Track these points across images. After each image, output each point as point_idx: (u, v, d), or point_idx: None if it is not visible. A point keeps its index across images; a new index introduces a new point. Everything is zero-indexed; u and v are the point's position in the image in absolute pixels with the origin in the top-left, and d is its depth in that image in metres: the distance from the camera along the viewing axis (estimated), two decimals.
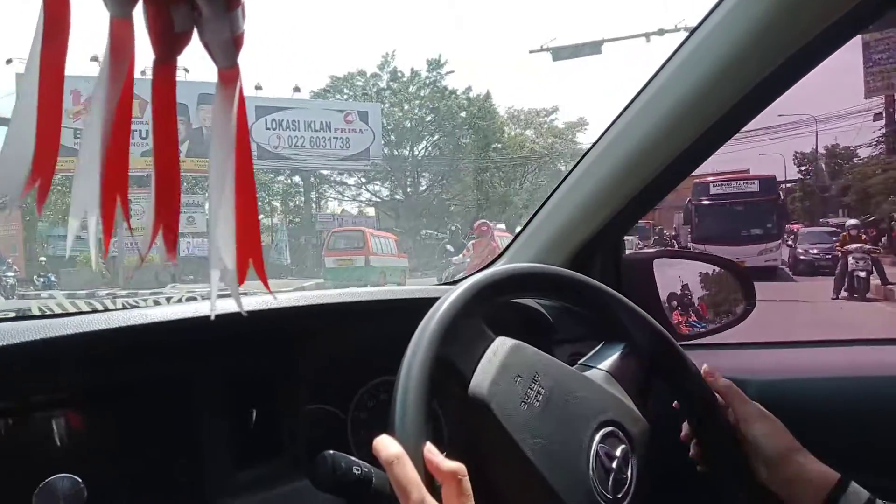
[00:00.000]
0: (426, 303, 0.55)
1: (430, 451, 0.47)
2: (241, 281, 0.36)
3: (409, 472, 0.44)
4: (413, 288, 0.88)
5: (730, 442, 0.67)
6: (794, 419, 0.87)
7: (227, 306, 0.72)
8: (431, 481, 0.46)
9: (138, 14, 0.31)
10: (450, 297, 0.56)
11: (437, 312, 0.54)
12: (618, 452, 0.58)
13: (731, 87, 0.85)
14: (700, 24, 0.87)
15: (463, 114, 25.64)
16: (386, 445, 0.46)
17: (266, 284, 0.41)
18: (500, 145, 26.08)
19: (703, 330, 1.16)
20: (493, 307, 0.60)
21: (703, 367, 0.69)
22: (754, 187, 13.67)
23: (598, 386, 0.63)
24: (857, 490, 0.61)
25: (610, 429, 0.59)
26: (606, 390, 0.64)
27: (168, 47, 0.32)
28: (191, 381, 0.70)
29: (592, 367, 0.68)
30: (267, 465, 0.71)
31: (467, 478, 0.46)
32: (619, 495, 0.57)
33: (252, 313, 0.73)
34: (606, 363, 0.68)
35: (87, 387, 0.66)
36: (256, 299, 0.78)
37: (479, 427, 0.54)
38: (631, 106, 0.97)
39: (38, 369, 0.62)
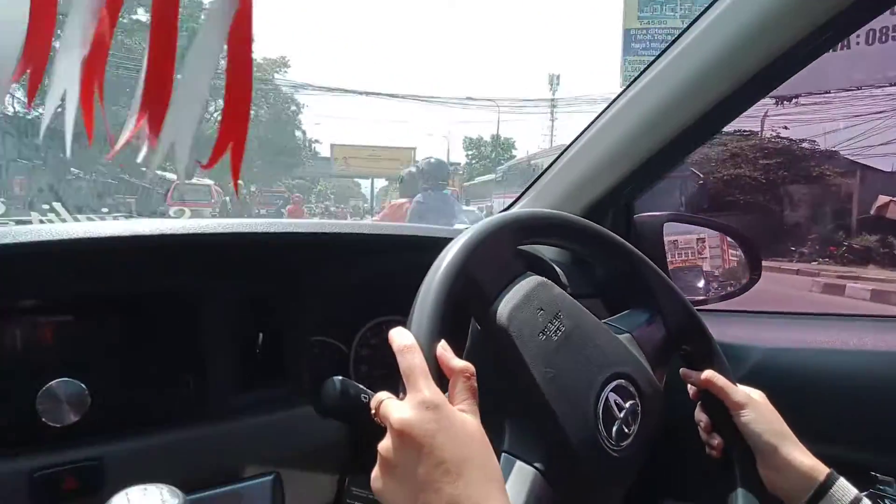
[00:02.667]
0: (442, 242, 0.53)
1: (444, 347, 0.47)
2: (212, 162, 0.35)
3: (416, 361, 0.44)
4: (431, 227, 0.86)
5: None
6: (794, 388, 0.88)
7: (236, 226, 0.71)
8: (441, 378, 0.45)
9: None
10: (485, 223, 0.55)
11: (469, 232, 0.53)
12: (627, 405, 0.58)
13: (760, 49, 0.83)
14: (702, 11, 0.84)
15: None
16: (401, 334, 0.46)
17: (235, 176, 0.39)
18: None
19: (706, 296, 1.17)
20: (521, 244, 0.59)
21: (681, 370, 0.68)
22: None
23: (618, 341, 0.63)
24: (845, 486, 0.60)
25: (624, 382, 0.59)
26: (626, 347, 0.63)
27: None
28: (198, 298, 0.69)
29: (617, 326, 0.67)
30: (270, 390, 0.71)
31: (475, 378, 0.45)
32: (622, 445, 0.57)
33: (259, 235, 0.71)
34: (631, 326, 0.68)
35: (95, 294, 0.65)
36: (263, 222, 0.76)
37: (494, 348, 0.54)
38: (657, 62, 0.94)
39: (42, 271, 0.61)
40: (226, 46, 0.33)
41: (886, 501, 0.82)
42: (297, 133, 32.89)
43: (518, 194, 1.18)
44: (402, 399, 0.44)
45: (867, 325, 1.04)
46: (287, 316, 0.75)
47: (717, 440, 0.66)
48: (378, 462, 0.43)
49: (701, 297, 1.14)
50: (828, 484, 0.59)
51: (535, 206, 1.11)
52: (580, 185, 1.06)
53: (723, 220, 1.22)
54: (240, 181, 0.36)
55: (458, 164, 36.36)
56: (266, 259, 0.74)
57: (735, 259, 1.20)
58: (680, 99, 0.92)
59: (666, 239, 1.14)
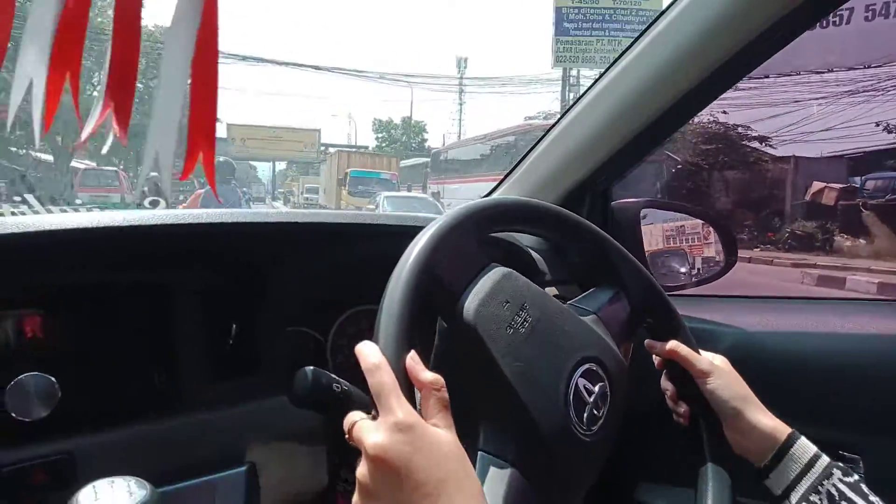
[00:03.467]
0: (413, 230, 0.53)
1: (413, 359, 0.46)
2: (186, 173, 0.35)
3: (386, 380, 0.44)
4: (401, 215, 0.86)
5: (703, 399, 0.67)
6: (767, 370, 0.90)
7: (209, 216, 0.71)
8: (411, 391, 0.45)
9: None
10: (446, 217, 0.55)
11: (430, 229, 0.53)
12: (596, 389, 0.59)
13: (732, 35, 0.84)
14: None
15: None
16: (367, 353, 0.46)
17: (212, 182, 0.40)
18: None
19: (684, 282, 1.18)
20: (486, 234, 0.59)
21: (645, 342, 0.69)
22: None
23: (584, 324, 0.63)
24: (805, 444, 0.62)
25: (592, 365, 0.59)
26: (593, 329, 0.64)
27: None
28: (170, 291, 0.68)
29: (581, 307, 0.68)
30: (244, 380, 0.71)
31: (445, 389, 0.45)
32: (592, 429, 0.57)
33: (231, 225, 0.71)
34: (595, 306, 0.68)
35: (64, 287, 0.64)
36: (236, 212, 0.75)
37: (463, 346, 0.54)
38: (631, 49, 0.95)
39: (9, 263, 0.60)
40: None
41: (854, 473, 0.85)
42: None
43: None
44: (373, 418, 0.44)
45: (837, 307, 1.06)
46: (261, 306, 0.74)
47: (683, 408, 0.68)
48: (357, 488, 0.43)
49: (678, 283, 1.16)
50: (789, 442, 0.62)
51: (511, 193, 1.11)
52: (557, 172, 1.06)
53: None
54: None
55: (366, 147, 34.54)
56: (238, 249, 0.73)
57: (711, 244, 1.21)
58: (654, 86, 0.93)
59: (643, 225, 1.15)
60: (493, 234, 0.94)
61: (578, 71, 22.57)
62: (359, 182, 20.12)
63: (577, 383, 0.58)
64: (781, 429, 0.63)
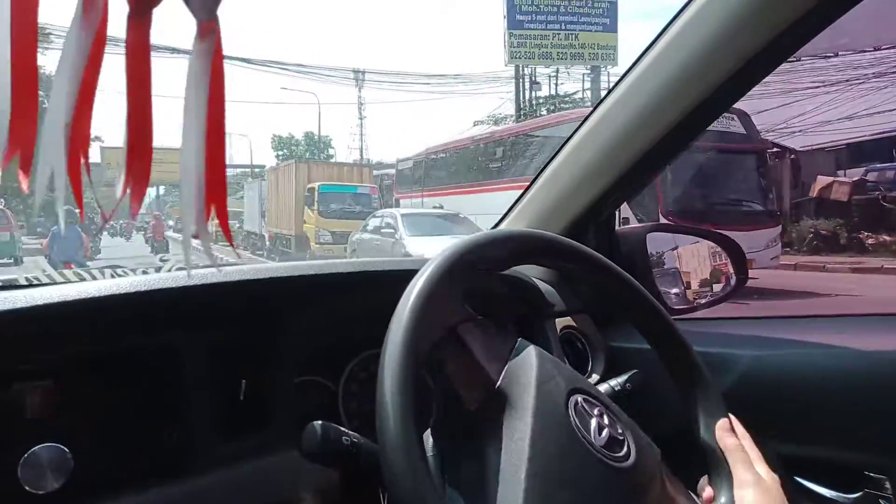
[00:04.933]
0: (411, 274, 0.54)
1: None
2: (205, 219, 0.36)
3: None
4: (403, 259, 0.87)
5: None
6: (785, 392, 0.88)
7: (210, 277, 0.72)
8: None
9: None
10: (432, 271, 0.54)
11: (409, 299, 0.51)
12: (595, 412, 0.56)
13: (730, 56, 0.84)
14: (681, 10, 0.85)
15: None
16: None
17: (228, 235, 0.40)
18: None
19: (693, 305, 1.17)
20: (473, 279, 0.59)
21: (720, 423, 0.63)
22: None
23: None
24: None
25: (581, 396, 0.57)
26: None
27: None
28: (178, 352, 0.68)
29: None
30: (256, 437, 0.71)
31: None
32: (621, 454, 0.54)
33: (237, 283, 0.72)
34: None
35: (73, 356, 0.65)
36: (240, 269, 0.76)
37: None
38: (628, 75, 0.95)
39: (23, 338, 0.61)
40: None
41: (882, 502, 0.82)
42: None
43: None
44: None
45: (853, 324, 1.04)
46: (269, 360, 0.75)
47: None
48: None
49: (689, 306, 1.15)
50: None
51: (516, 225, 1.11)
52: (558, 204, 1.06)
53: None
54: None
55: (263, 166, 29.68)
56: (243, 306, 0.74)
57: (720, 264, 1.20)
58: (654, 111, 0.93)
59: (650, 249, 1.15)
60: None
61: (534, 69, 20.35)
62: (331, 199, 15.01)
63: (575, 408, 0.55)
64: None
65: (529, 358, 0.57)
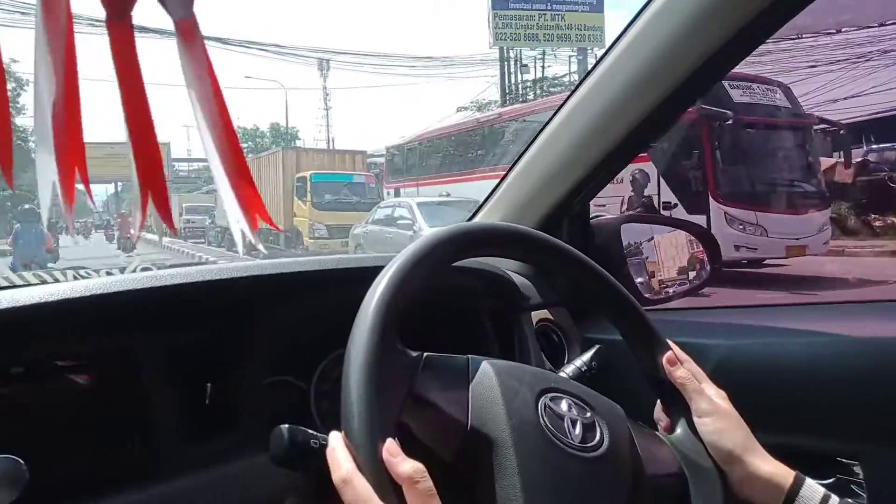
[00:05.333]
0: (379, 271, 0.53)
1: (389, 451, 0.44)
2: (255, 226, 0.36)
3: (360, 492, 0.42)
4: (376, 255, 0.85)
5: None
6: (759, 381, 0.89)
7: (175, 277, 0.69)
8: (395, 485, 0.43)
9: None
10: (410, 250, 0.54)
11: (391, 267, 0.52)
12: (564, 407, 0.56)
13: (699, 46, 0.84)
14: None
15: None
16: (336, 465, 0.44)
17: (274, 225, 0.42)
18: None
19: (668, 294, 1.17)
20: (455, 261, 0.58)
21: (667, 355, 0.65)
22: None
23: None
24: (813, 486, 0.59)
25: (553, 394, 0.56)
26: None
27: (119, 2, 0.30)
28: (138, 355, 0.66)
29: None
30: (224, 440, 0.69)
31: (427, 478, 0.43)
32: (591, 444, 0.54)
33: (203, 284, 0.70)
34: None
35: (28, 362, 0.63)
36: (207, 268, 0.74)
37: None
38: (598, 67, 0.95)
39: None
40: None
41: (853, 488, 0.83)
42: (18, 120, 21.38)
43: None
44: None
45: (830, 311, 1.05)
46: (236, 361, 0.73)
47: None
48: None
49: (663, 296, 1.15)
50: (796, 487, 0.59)
51: (491, 218, 1.11)
52: (532, 196, 1.06)
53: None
54: None
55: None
56: (209, 306, 0.72)
57: (695, 254, 1.21)
58: (625, 101, 0.93)
59: (624, 240, 1.15)
60: (469, 264, 0.94)
61: (519, 51, 19.80)
62: (325, 190, 13.86)
63: (545, 406, 0.55)
64: (785, 474, 0.60)
65: (488, 379, 0.55)
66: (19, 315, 0.58)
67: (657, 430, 0.66)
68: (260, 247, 0.36)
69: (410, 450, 0.50)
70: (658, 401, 0.67)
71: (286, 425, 0.58)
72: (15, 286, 0.68)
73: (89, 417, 0.65)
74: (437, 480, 0.54)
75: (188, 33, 0.31)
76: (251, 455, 0.68)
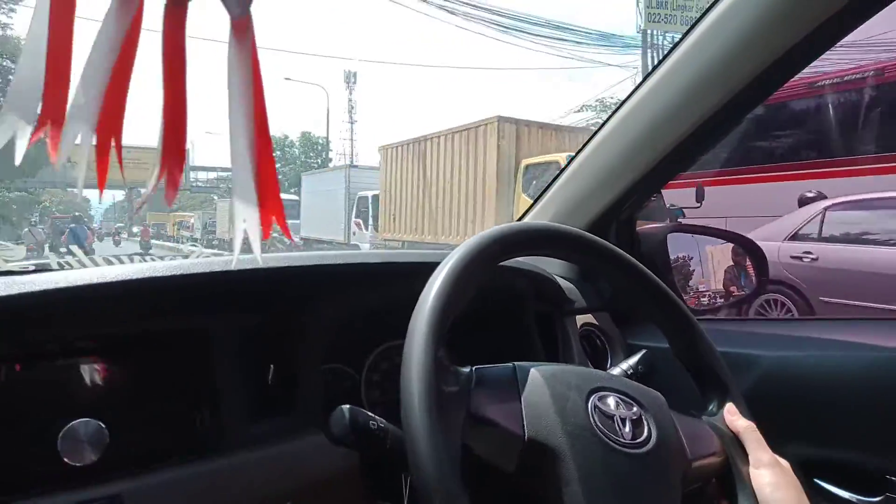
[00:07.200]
0: (434, 266, 0.54)
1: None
2: (266, 235, 0.35)
3: None
4: (430, 252, 0.88)
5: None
6: (805, 395, 0.88)
7: (244, 263, 0.73)
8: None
9: None
10: (465, 247, 0.55)
11: (449, 261, 0.53)
12: (612, 405, 0.56)
13: (760, 53, 0.83)
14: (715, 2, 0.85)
15: None
16: None
17: (288, 234, 0.41)
18: None
19: (714, 305, 1.17)
20: (505, 259, 0.60)
21: (727, 406, 0.64)
22: None
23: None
24: None
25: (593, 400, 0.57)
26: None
27: None
28: (210, 335, 0.70)
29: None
30: (283, 420, 0.72)
31: None
32: (640, 439, 0.55)
33: (267, 270, 0.73)
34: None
35: (110, 336, 0.67)
36: (270, 257, 0.78)
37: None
38: (655, 72, 0.95)
39: (62, 317, 0.63)
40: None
41: None
42: None
43: None
44: None
45: (875, 327, 1.03)
46: (296, 346, 0.76)
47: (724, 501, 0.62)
48: None
49: (710, 307, 1.15)
50: None
51: (540, 219, 1.12)
52: (581, 200, 1.07)
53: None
54: None
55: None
56: (275, 292, 0.76)
57: (742, 266, 1.20)
58: (678, 109, 0.93)
59: (670, 250, 1.15)
60: (517, 266, 0.96)
61: (663, 36, 15.24)
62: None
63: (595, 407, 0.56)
64: None
65: (538, 386, 0.56)
66: (103, 291, 0.63)
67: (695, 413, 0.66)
68: (258, 255, 0.36)
69: (472, 468, 0.51)
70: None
71: (346, 406, 0.60)
72: (87, 267, 0.73)
73: (163, 391, 0.69)
74: (502, 495, 0.56)
75: (242, 31, 0.32)
76: (308, 435, 0.71)
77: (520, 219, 1.17)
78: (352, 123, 31.67)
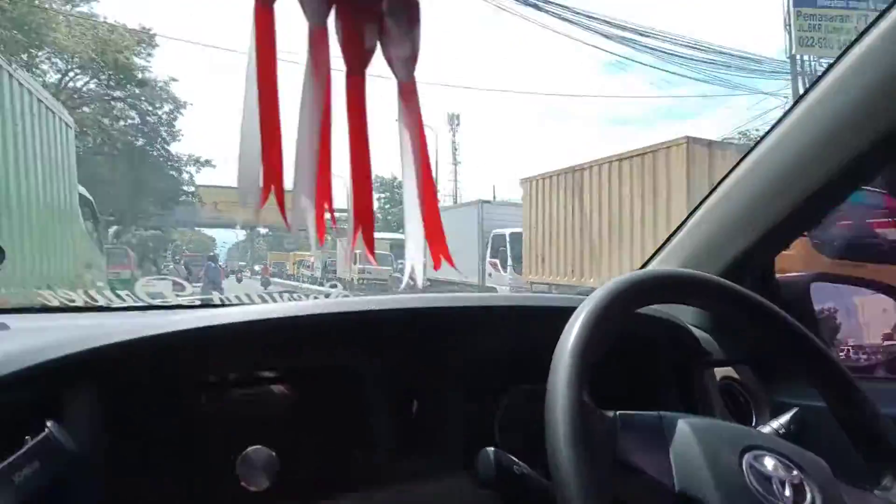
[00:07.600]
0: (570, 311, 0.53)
1: None
2: (437, 266, 0.40)
3: None
4: (561, 296, 0.87)
5: None
6: None
7: (388, 303, 0.76)
8: None
9: (332, 29, 0.34)
10: (601, 293, 0.54)
11: (585, 308, 0.52)
12: (769, 466, 0.52)
13: None
14: (868, 28, 0.81)
15: None
16: None
17: (450, 262, 0.43)
18: None
19: (870, 363, 1.06)
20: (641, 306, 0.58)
21: None
22: None
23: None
24: None
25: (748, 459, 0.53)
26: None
27: (358, 60, 0.35)
28: (362, 372, 0.73)
29: None
30: (427, 458, 0.72)
31: None
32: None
33: (416, 311, 0.75)
34: None
35: (277, 368, 0.71)
36: (413, 297, 0.80)
37: None
38: (793, 110, 0.91)
39: (234, 350, 0.67)
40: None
41: None
42: (170, 161, 21.61)
43: None
44: None
45: None
46: (438, 385, 0.77)
47: None
48: None
49: (866, 366, 1.04)
50: None
51: (665, 266, 1.08)
52: (714, 243, 1.02)
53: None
54: None
55: (345, 210, 23.66)
56: (420, 332, 0.77)
57: None
58: (830, 142, 0.87)
59: (814, 300, 1.06)
60: (650, 313, 0.92)
61: (813, 62, 13.36)
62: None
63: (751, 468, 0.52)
64: None
65: (687, 438, 0.53)
66: (273, 326, 0.67)
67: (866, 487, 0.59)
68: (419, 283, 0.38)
69: None
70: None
71: (492, 448, 0.60)
72: (245, 304, 0.78)
73: (323, 424, 0.72)
74: None
75: (409, 95, 0.35)
76: (450, 475, 0.70)
77: (647, 262, 1.13)
78: (455, 165, 32.16)
